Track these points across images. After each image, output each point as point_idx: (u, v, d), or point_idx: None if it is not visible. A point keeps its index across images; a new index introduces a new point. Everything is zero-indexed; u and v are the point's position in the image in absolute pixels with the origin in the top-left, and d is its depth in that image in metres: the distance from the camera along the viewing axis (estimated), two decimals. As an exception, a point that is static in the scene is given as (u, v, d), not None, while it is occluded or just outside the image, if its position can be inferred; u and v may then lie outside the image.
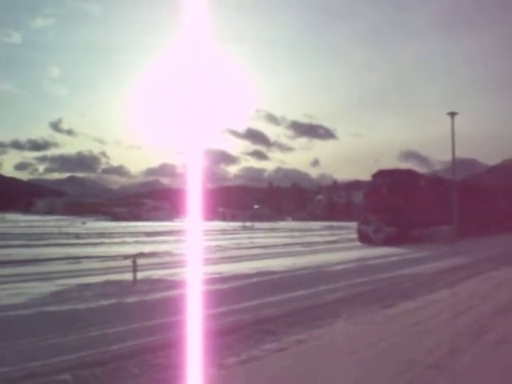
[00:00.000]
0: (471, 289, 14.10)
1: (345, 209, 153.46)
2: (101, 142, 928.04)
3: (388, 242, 31.95)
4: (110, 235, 43.17)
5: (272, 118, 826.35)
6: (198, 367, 6.20)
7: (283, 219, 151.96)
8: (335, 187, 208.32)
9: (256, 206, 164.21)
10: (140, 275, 12.67)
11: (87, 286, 11.64)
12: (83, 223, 78.47)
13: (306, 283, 13.45)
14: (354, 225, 41.28)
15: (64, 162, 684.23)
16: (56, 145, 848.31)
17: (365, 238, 34.56)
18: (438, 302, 11.86)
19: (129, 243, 32.94)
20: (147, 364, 6.60)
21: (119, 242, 34.59)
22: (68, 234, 44.38)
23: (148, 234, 45.95)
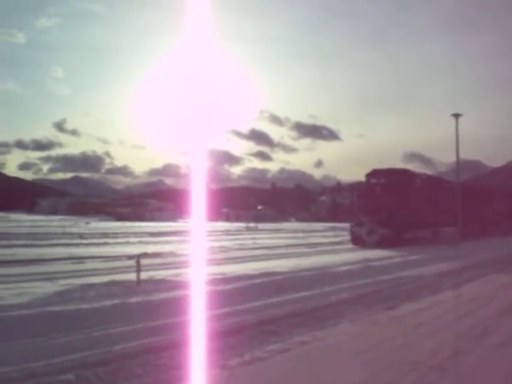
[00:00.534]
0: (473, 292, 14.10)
1: (348, 210, 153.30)
2: (105, 142, 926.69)
3: (381, 244, 31.05)
4: (114, 235, 43.17)
5: (276, 119, 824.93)
6: (201, 368, 6.19)
7: (287, 220, 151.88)
8: (339, 188, 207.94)
9: (259, 207, 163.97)
10: (144, 275, 12.67)
11: (91, 286, 11.65)
12: (87, 223, 78.48)
13: (309, 284, 13.44)
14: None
15: (68, 162, 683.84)
16: (60, 145, 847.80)
17: (358, 240, 33.70)
18: (441, 304, 11.85)
19: (132, 243, 32.93)
20: (151, 364, 6.61)
21: (123, 242, 34.59)
22: (72, 233, 44.40)
23: (152, 235, 45.94)
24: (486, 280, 16.47)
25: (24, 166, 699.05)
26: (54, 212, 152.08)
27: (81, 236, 40.10)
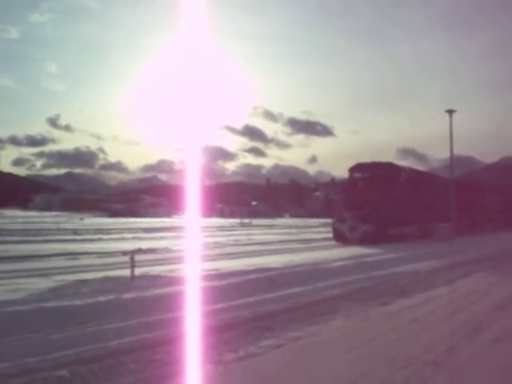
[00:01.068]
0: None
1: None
2: (98, 137, 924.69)
3: (364, 240, 30.00)
4: (108, 231, 43.15)
5: (269, 115, 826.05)
6: (196, 363, 6.22)
7: (281, 216, 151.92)
8: (333, 184, 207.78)
9: (254, 203, 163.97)
10: (138, 271, 12.68)
11: (85, 281, 11.65)
12: (81, 219, 78.36)
13: (303, 280, 13.46)
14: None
15: (62, 157, 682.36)
16: (54, 141, 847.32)
17: (340, 237, 32.47)
18: (436, 299, 11.90)
19: (127, 239, 32.90)
20: (146, 360, 6.61)
21: (117, 238, 34.56)
22: (66, 230, 44.34)
23: (146, 231, 45.93)
24: (479, 276, 16.51)
25: (17, 162, 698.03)
26: (48, 208, 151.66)
27: (75, 232, 40.05)
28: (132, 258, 12.64)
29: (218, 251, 23.53)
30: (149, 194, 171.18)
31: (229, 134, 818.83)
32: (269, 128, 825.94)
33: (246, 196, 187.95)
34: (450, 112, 34.01)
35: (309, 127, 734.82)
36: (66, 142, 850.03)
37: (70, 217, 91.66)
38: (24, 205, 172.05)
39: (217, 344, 7.40)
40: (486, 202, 49.03)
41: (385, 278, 15.09)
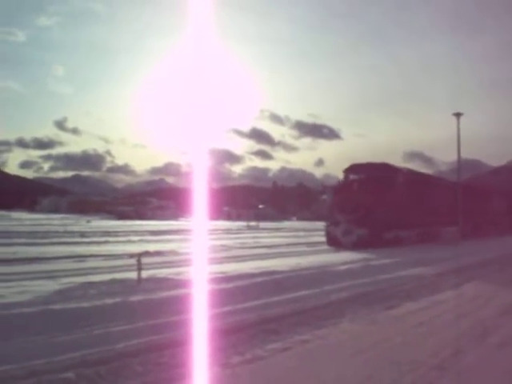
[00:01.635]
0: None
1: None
2: (106, 140, 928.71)
3: (358, 245, 28.61)
4: (115, 234, 43.16)
5: (276, 118, 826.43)
6: (202, 366, 6.21)
7: (288, 219, 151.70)
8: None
9: (261, 206, 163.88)
10: (145, 274, 12.68)
11: (92, 284, 11.65)
12: (88, 222, 78.39)
13: (310, 283, 13.45)
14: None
15: (69, 160, 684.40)
16: (61, 143, 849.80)
17: (333, 241, 31.01)
18: (441, 303, 11.87)
19: (134, 242, 32.93)
20: (152, 363, 6.62)
21: (124, 240, 34.57)
22: (73, 232, 44.39)
23: (153, 233, 45.92)
24: (484, 281, 16.46)
25: (25, 165, 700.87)
26: (55, 210, 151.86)
27: (82, 234, 40.10)
28: (139, 261, 12.65)
29: (224, 254, 23.50)
30: (156, 197, 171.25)
31: (236, 136, 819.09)
32: (275, 131, 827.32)
33: (253, 199, 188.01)
34: (458, 115, 33.93)
35: (315, 130, 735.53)
36: (74, 145, 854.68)
37: (77, 219, 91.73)
38: (31, 207, 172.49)
39: (224, 347, 7.40)
40: (490, 206, 47.97)
41: (391, 281, 15.06)
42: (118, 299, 9.91)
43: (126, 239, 35.79)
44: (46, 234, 39.05)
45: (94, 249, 26.12)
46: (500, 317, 10.28)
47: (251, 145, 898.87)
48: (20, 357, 6.59)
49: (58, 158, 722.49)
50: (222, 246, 29.70)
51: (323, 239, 32.71)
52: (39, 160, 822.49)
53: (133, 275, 12.62)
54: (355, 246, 28.43)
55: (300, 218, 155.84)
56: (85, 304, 9.38)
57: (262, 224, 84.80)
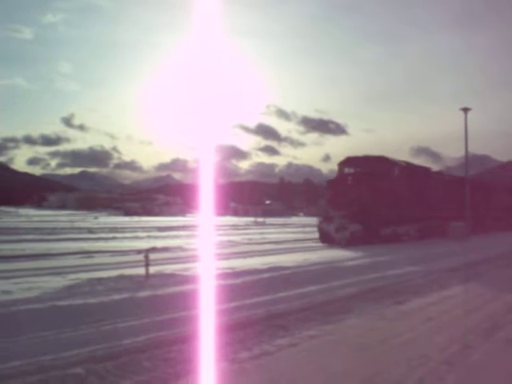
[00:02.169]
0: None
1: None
2: (112, 137, 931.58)
3: (353, 242, 27.13)
4: (122, 230, 43.26)
5: (283, 114, 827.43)
6: (210, 361, 6.21)
7: (295, 214, 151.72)
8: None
9: (267, 202, 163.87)
10: (152, 270, 12.69)
11: (99, 280, 11.67)
12: (95, 218, 78.63)
13: (317, 279, 13.44)
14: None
15: (76, 157, 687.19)
16: (68, 140, 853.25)
17: (326, 238, 29.43)
18: (450, 298, 11.84)
19: (141, 238, 33.01)
20: (160, 358, 6.62)
21: (131, 236, 34.67)
22: (80, 228, 44.54)
23: (160, 229, 45.99)
24: (492, 276, 16.42)
25: (32, 161, 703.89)
26: (63, 207, 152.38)
27: (89, 230, 40.22)
28: (146, 257, 12.67)
29: (232, 250, 23.52)
30: (163, 193, 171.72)
31: (242, 132, 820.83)
32: (282, 127, 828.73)
33: (260, 195, 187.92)
34: (465, 110, 33.68)
35: (322, 125, 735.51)
36: (81, 142, 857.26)
37: (84, 215, 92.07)
38: (39, 204, 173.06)
39: (231, 342, 7.41)
40: (494, 201, 46.48)
41: (399, 277, 15.03)
42: (125, 295, 9.93)
43: (134, 235, 35.89)
44: (53, 231, 39.22)
45: (102, 245, 26.22)
46: (509, 312, 10.24)
47: (258, 141, 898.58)
48: (28, 353, 6.60)
49: (65, 154, 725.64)
50: (230, 241, 29.73)
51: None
52: (46, 157, 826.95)
53: (140, 271, 12.64)
54: (349, 244, 27.02)
55: (307, 214, 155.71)
56: (92, 300, 9.40)
57: (269, 220, 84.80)
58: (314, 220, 38.99)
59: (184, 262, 16.13)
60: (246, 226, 59.11)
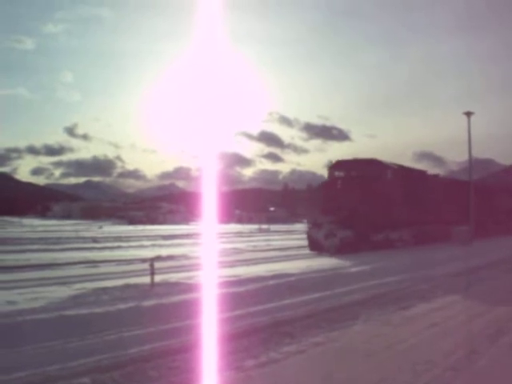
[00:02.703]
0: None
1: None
2: (116, 146, 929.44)
3: (342, 249, 25.87)
4: (127, 239, 43.26)
5: (285, 120, 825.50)
6: (216, 370, 6.21)
7: (299, 221, 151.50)
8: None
9: (272, 209, 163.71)
10: (157, 278, 12.70)
11: (105, 289, 11.69)
12: (100, 227, 78.61)
13: (322, 285, 13.44)
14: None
15: (80, 166, 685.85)
16: (71, 149, 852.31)
17: (315, 245, 28.21)
18: (454, 304, 11.82)
19: (146, 247, 33.01)
20: (165, 367, 6.63)
21: (136, 245, 34.66)
22: (85, 238, 44.54)
23: (165, 238, 45.96)
24: (496, 282, 16.39)
25: (36, 171, 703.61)
26: (67, 216, 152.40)
27: (94, 240, 40.22)
28: (151, 265, 12.67)
29: (236, 257, 23.53)
30: (167, 201, 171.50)
31: (245, 140, 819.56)
32: (285, 133, 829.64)
33: (264, 202, 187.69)
34: (468, 114, 33.62)
35: (325, 132, 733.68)
36: (84, 151, 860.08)
37: (89, 225, 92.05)
38: (43, 213, 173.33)
39: (237, 350, 7.40)
40: (496, 204, 45.51)
41: (402, 283, 15.00)
42: (131, 304, 9.95)
43: (138, 244, 35.89)
44: (58, 240, 39.22)
45: (107, 254, 26.20)
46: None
47: (261, 148, 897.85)
48: (34, 363, 6.62)
49: (68, 164, 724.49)
50: (234, 249, 29.71)
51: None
52: (50, 166, 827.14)
53: (145, 280, 12.65)
54: (339, 251, 25.87)
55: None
56: (98, 310, 9.42)
57: (273, 227, 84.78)
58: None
59: (189, 271, 16.12)
60: (250, 234, 59.05)
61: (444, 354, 7.18)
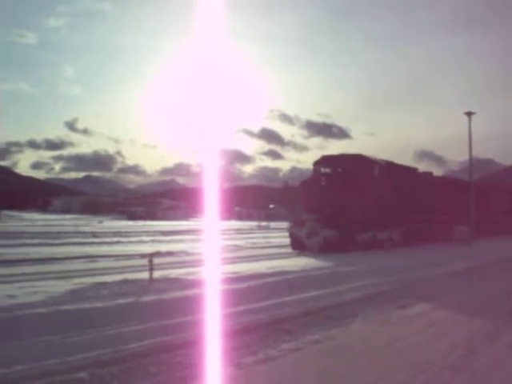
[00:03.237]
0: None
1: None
2: (116, 141, 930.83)
3: (325, 249, 25.01)
4: (127, 234, 43.30)
5: (286, 118, 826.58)
6: (216, 366, 6.21)
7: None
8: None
9: (271, 206, 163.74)
10: (157, 274, 12.70)
11: (104, 284, 11.68)
12: (100, 222, 78.76)
13: (321, 283, 13.43)
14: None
15: (80, 161, 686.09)
16: (72, 144, 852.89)
17: (297, 244, 27.12)
18: (453, 303, 11.81)
19: (145, 242, 33.04)
20: (165, 362, 6.62)
21: (136, 240, 34.70)
22: (85, 232, 44.59)
23: (164, 233, 46.01)
24: (496, 280, 16.38)
25: (37, 166, 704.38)
26: (67, 211, 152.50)
27: (94, 235, 40.26)
28: (151, 261, 12.67)
29: (236, 254, 23.52)
30: (167, 197, 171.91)
31: (246, 137, 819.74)
32: (285, 131, 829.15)
33: (264, 199, 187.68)
34: (469, 114, 33.59)
35: (325, 129, 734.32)
36: (85, 146, 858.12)
37: (88, 220, 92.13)
38: (43, 208, 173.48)
39: (237, 347, 7.40)
40: (495, 204, 44.86)
41: (402, 282, 14.99)
42: (130, 299, 9.94)
43: (138, 239, 35.93)
44: (58, 235, 39.23)
45: (106, 249, 26.24)
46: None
47: (261, 145, 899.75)
48: (33, 357, 6.61)
49: (69, 158, 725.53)
50: (234, 245, 29.71)
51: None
52: (50, 161, 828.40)
53: (145, 275, 12.64)
54: (321, 250, 25.08)
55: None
56: (97, 304, 9.41)
57: (273, 224, 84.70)
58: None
59: (188, 267, 16.11)
60: (250, 230, 59.09)
61: (442, 353, 7.18)
